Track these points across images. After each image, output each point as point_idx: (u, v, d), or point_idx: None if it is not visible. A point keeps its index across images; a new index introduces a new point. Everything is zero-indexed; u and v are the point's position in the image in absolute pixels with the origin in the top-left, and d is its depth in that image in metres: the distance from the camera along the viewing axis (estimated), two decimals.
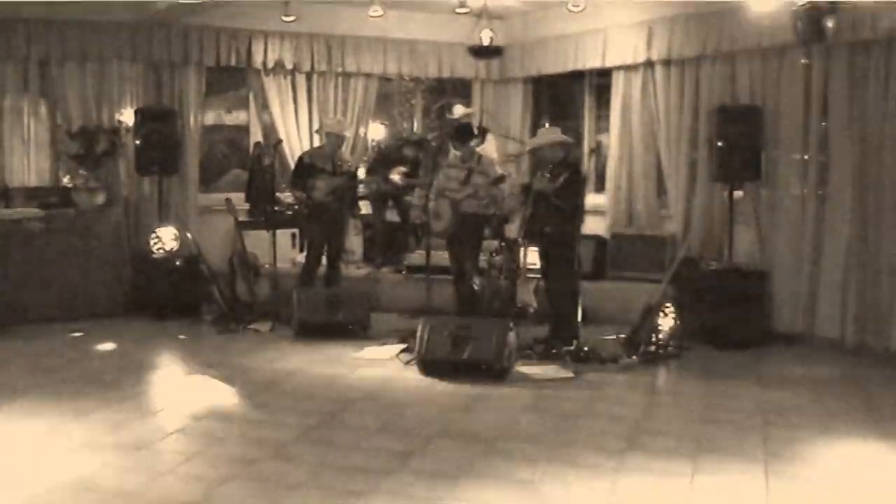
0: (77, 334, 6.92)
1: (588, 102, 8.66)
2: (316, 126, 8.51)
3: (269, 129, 8.68)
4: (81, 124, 7.83)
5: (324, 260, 7.47)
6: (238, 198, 8.23)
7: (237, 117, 8.99)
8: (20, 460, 4.15)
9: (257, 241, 7.82)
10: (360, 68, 8.71)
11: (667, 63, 7.53)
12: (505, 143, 8.63)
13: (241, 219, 7.84)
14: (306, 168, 7.34)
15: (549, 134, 6.53)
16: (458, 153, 6.94)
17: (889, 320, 6.17)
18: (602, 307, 7.18)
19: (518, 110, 8.91)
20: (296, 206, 7.61)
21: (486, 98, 9.09)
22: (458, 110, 8.28)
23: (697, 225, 7.35)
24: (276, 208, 7.75)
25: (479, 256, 7.00)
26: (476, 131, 7.50)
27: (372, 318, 7.08)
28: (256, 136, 8.76)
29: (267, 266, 7.74)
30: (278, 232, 7.74)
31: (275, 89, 8.54)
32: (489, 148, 7.74)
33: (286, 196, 7.99)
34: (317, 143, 8.08)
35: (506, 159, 7.66)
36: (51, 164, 7.99)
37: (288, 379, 5.73)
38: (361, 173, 8.25)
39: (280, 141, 8.31)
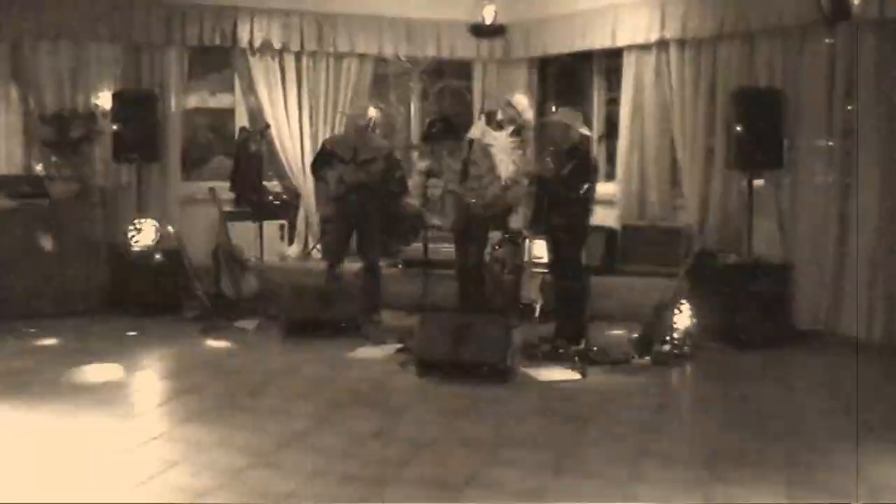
0: (48, 337, 6.88)
1: (597, 85, 8.64)
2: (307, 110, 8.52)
3: (256, 114, 8.68)
4: (55, 109, 7.81)
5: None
6: (222, 187, 8.22)
7: (222, 101, 8.99)
8: None
9: (243, 233, 7.81)
10: (354, 49, 8.68)
11: (681, 43, 7.51)
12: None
13: (225, 209, 7.83)
14: (326, 157, 7.20)
15: (563, 114, 6.50)
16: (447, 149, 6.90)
17: None
18: (612, 304, 7.17)
19: (523, 96, 8.77)
20: (284, 196, 7.57)
21: (489, 80, 9.03)
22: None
23: (714, 216, 7.35)
24: (264, 198, 7.73)
25: (485, 249, 7.01)
26: (451, 126, 7.30)
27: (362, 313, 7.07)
28: (242, 120, 8.76)
29: (253, 260, 7.73)
30: (266, 223, 7.75)
31: (262, 71, 8.52)
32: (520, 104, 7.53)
33: (274, 185, 7.96)
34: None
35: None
36: (22, 152, 7.96)
37: (276, 381, 5.72)
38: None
39: (267, 126, 8.29)
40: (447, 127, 6.94)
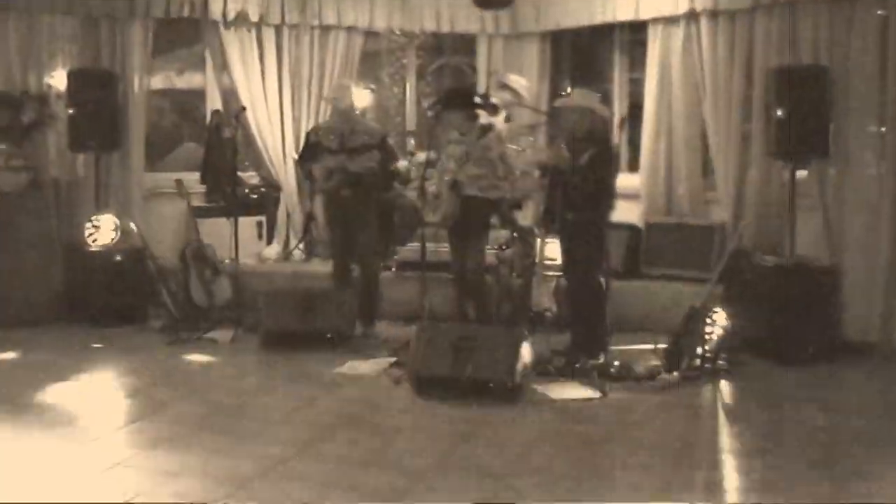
0: None
1: (619, 63, 8.65)
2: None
3: (230, 95, 8.68)
4: (2, 90, 7.79)
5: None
6: (192, 178, 8.23)
7: (191, 80, 9.04)
8: None
9: (215, 231, 7.83)
10: (341, 21, 8.68)
11: (714, 15, 7.51)
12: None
13: (195, 204, 7.85)
14: (312, 147, 7.22)
15: (581, 97, 6.50)
16: (453, 125, 6.92)
17: None
18: (636, 312, 7.19)
19: (533, 73, 8.84)
20: (262, 189, 7.57)
21: (494, 58, 9.03)
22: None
23: (752, 211, 7.35)
24: (240, 191, 7.74)
25: (486, 249, 7.01)
26: (479, 99, 7.42)
27: (356, 325, 7.12)
28: (215, 103, 8.76)
29: (227, 262, 7.74)
30: (241, 220, 7.71)
31: (237, 46, 8.52)
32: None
33: (250, 176, 7.96)
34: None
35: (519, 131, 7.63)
36: None
37: (253, 400, 5.73)
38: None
39: (243, 109, 8.25)
40: (464, 99, 6.94)
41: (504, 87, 7.38)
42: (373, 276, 7.25)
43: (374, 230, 7.20)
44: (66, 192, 8.07)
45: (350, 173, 6.96)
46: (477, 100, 7.10)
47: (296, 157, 8.37)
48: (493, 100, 7.49)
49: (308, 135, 7.50)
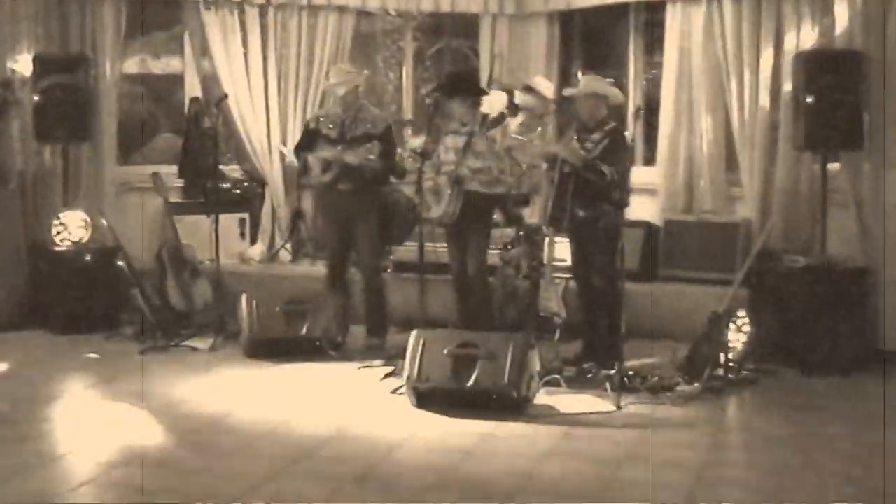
0: None
1: (634, 46, 8.64)
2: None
3: (211, 81, 8.69)
4: None
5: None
6: (169, 172, 8.23)
7: (168, 65, 9.06)
8: None
9: (195, 229, 7.84)
10: (332, 0, 8.68)
11: None
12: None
13: (173, 199, 7.84)
14: (310, 135, 7.19)
15: (593, 84, 6.50)
16: (454, 114, 6.90)
17: None
18: (653, 317, 7.17)
19: (541, 56, 8.83)
20: (245, 184, 7.57)
21: (499, 40, 9.01)
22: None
23: (779, 208, 7.35)
24: (221, 186, 7.76)
25: (488, 249, 7.01)
26: (482, 84, 7.45)
27: (349, 331, 7.15)
28: (194, 90, 8.77)
29: (208, 262, 7.74)
30: (223, 217, 7.77)
31: (218, 28, 8.52)
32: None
33: (233, 169, 7.96)
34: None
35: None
36: None
37: (236, 413, 5.72)
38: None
39: (225, 96, 8.28)
40: (466, 86, 6.93)
41: (529, 90, 7.39)
42: (377, 282, 7.23)
43: (375, 229, 7.18)
44: (31, 186, 8.06)
45: (348, 166, 6.92)
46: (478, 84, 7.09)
47: (283, 148, 8.39)
48: (516, 100, 7.49)
49: (307, 122, 7.50)
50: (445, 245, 7.09)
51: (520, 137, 7.10)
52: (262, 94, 8.62)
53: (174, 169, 8.41)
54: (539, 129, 7.28)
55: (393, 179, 7.44)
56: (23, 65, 7.92)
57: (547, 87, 7.59)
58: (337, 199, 7.05)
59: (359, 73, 7.42)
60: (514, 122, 7.42)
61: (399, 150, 7.73)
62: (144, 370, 6.62)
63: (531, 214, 7.41)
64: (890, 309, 6.81)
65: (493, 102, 7.47)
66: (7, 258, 7.74)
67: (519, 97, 7.54)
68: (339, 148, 6.95)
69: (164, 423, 5.54)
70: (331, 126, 7.06)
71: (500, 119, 6.84)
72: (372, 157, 6.83)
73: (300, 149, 7.31)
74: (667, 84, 8.02)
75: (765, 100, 7.44)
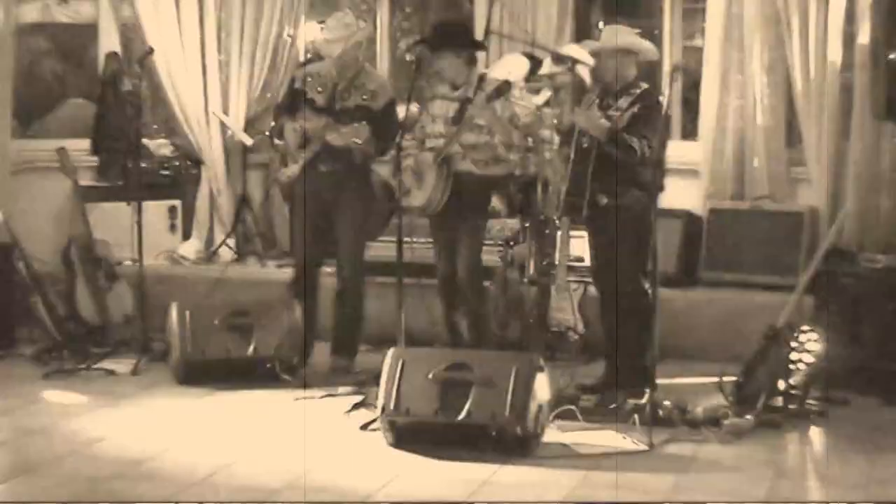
0: None
1: None
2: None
3: (132, 32, 8.75)
4: None
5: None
6: (80, 147, 8.31)
7: (78, 12, 9.06)
8: None
9: (112, 220, 7.94)
10: None
11: None
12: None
13: (84, 183, 7.87)
14: (294, 97, 7.18)
15: (617, 35, 6.48)
16: (443, 74, 6.92)
17: None
18: (694, 332, 7.24)
19: (553, 5, 8.77)
20: (176, 163, 7.53)
21: None
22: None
23: (854, 193, 7.39)
24: (144, 164, 7.80)
25: (484, 245, 7.01)
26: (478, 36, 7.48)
27: (312, 348, 7.19)
28: (110, 43, 8.79)
29: (128, 263, 7.79)
30: (147, 205, 7.74)
31: None
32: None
33: (160, 144, 7.93)
34: None
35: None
36: None
37: (163, 456, 5.66)
38: None
39: (150, 51, 8.18)
40: (458, 37, 6.93)
41: (560, 59, 7.34)
42: (357, 291, 7.23)
43: (360, 220, 7.18)
44: None
45: (331, 148, 6.91)
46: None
47: (224, 117, 8.34)
48: (546, 69, 7.44)
49: (293, 77, 7.51)
50: (430, 241, 7.11)
51: (522, 103, 7.05)
52: (198, 49, 8.66)
53: (86, 143, 8.48)
54: (549, 93, 7.23)
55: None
56: None
57: (578, 53, 7.54)
58: (315, 181, 7.03)
59: (362, 27, 7.40)
60: (537, 99, 7.35)
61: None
62: (47, 400, 6.63)
63: (540, 201, 7.34)
64: None
65: (511, 69, 7.41)
66: None
67: (548, 67, 7.47)
68: (324, 120, 6.93)
69: (71, 467, 5.49)
70: (319, 89, 7.05)
71: (504, 88, 6.75)
72: (358, 140, 6.80)
73: (279, 110, 7.33)
74: (711, 36, 8.05)
75: (835, 55, 7.49)
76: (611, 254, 6.40)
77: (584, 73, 7.40)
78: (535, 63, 7.62)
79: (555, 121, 6.96)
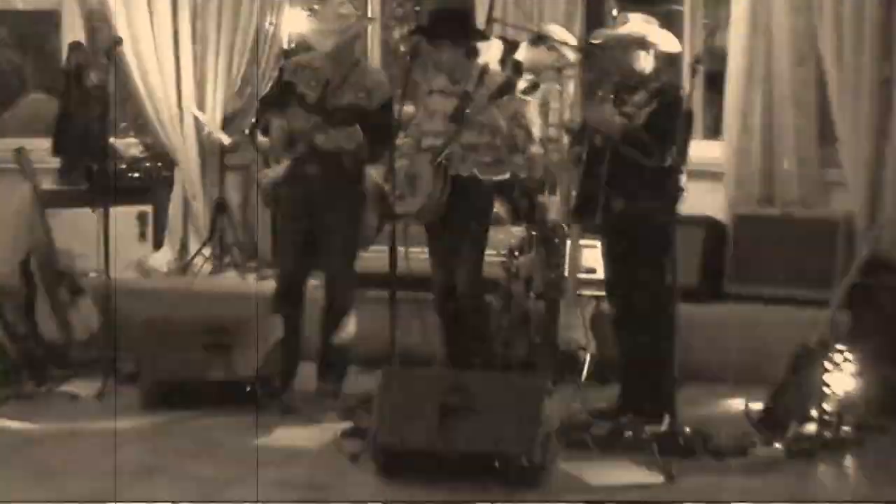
0: None
1: None
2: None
3: (98, 20, 8.79)
4: None
5: None
6: (40, 147, 8.33)
7: None
8: None
9: (76, 228, 7.96)
10: None
11: None
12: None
13: (45, 187, 7.89)
14: (283, 90, 7.13)
15: (633, 25, 6.48)
16: (441, 66, 6.93)
17: None
18: (717, 352, 7.22)
19: None
20: (147, 165, 7.50)
21: None
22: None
23: (895, 198, 7.38)
24: (112, 166, 7.88)
25: (484, 255, 7.00)
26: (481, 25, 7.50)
27: (296, 370, 7.17)
28: (74, 32, 8.84)
29: (93, 275, 7.80)
30: (115, 211, 7.70)
31: None
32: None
33: (129, 143, 7.90)
34: None
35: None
36: None
37: (127, 490, 5.59)
38: None
39: (118, 41, 8.19)
40: (458, 27, 6.90)
41: (540, 40, 7.31)
42: (348, 300, 7.20)
43: (353, 228, 7.15)
44: None
45: (319, 150, 6.88)
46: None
47: (199, 114, 8.31)
48: (527, 52, 7.53)
49: (282, 68, 7.44)
50: (426, 250, 7.08)
51: (528, 98, 7.06)
52: (171, 39, 8.70)
53: (47, 143, 8.52)
54: (558, 87, 7.22)
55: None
56: None
57: (560, 34, 7.54)
58: (303, 184, 7.01)
59: (360, 18, 7.42)
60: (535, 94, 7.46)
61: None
62: (1, 427, 6.62)
63: (548, 207, 7.30)
64: None
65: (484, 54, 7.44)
66: None
67: (525, 52, 7.46)
68: (313, 119, 6.89)
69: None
70: (312, 84, 7.01)
71: (508, 85, 6.73)
72: (349, 146, 6.81)
73: (265, 104, 7.30)
74: (737, 25, 8.06)
75: (872, 48, 7.47)
76: (627, 265, 6.41)
77: (570, 55, 7.41)
78: (509, 46, 7.61)
79: (564, 117, 6.99)
